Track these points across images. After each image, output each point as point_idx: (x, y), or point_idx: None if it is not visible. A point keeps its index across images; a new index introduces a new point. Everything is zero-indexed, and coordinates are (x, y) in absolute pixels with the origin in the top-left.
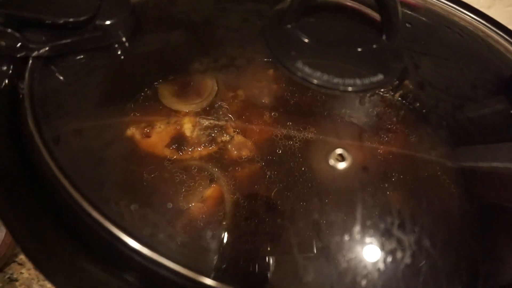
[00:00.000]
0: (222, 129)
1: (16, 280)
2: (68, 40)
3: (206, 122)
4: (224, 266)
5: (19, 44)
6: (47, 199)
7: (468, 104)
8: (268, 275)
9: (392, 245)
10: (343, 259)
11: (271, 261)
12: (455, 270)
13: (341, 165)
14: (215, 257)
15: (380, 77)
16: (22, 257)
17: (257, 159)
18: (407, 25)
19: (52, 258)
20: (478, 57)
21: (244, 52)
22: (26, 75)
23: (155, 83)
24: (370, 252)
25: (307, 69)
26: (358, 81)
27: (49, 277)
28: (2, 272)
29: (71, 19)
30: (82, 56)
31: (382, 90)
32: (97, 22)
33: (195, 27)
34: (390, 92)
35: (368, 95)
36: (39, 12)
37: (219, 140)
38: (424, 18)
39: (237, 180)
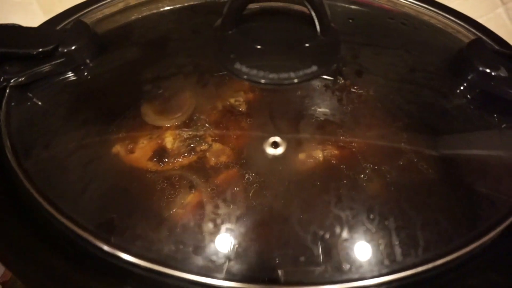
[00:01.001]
0: (201, 139)
1: None
2: (40, 68)
3: (185, 134)
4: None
5: None
6: (32, 221)
7: (405, 86)
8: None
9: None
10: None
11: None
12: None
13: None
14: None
15: (314, 68)
16: None
17: (234, 163)
18: (349, 20)
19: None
20: (420, 42)
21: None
22: (3, 103)
23: (134, 101)
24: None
25: (244, 69)
26: (292, 74)
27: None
28: None
29: (41, 49)
30: (53, 81)
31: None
32: (60, 49)
33: (156, 44)
34: (330, 82)
35: (312, 86)
36: (13, 46)
37: (198, 149)
38: (367, 13)
39: (216, 184)
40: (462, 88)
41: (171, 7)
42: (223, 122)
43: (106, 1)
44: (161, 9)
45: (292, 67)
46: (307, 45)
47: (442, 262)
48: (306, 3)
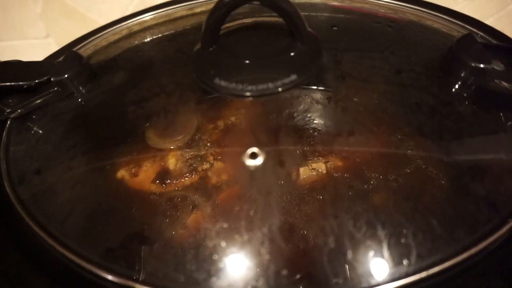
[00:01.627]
0: (203, 159)
1: None
2: (36, 98)
3: (188, 155)
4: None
5: None
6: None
7: (392, 89)
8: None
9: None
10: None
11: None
12: None
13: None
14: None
15: (293, 77)
16: None
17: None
18: (333, 28)
19: None
20: (408, 43)
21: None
22: (4, 134)
23: (129, 126)
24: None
25: (223, 83)
26: (270, 85)
27: None
28: None
29: (36, 81)
30: (50, 110)
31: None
32: (53, 79)
33: (145, 69)
34: (312, 89)
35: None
36: (11, 80)
37: (200, 169)
38: (352, 19)
39: (218, 202)
40: (456, 87)
41: (160, 35)
42: (221, 140)
43: (103, 32)
44: (153, 37)
45: (270, 78)
46: (285, 55)
47: (444, 267)
48: (280, 14)
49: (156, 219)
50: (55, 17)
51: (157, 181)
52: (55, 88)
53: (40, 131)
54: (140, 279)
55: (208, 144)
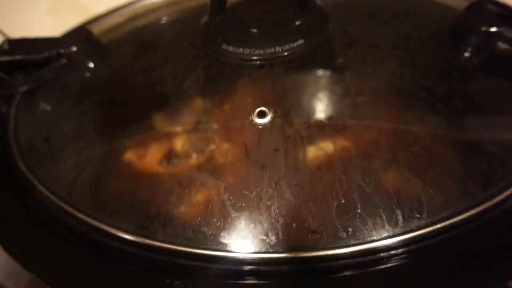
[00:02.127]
0: (209, 140)
1: None
2: (44, 72)
3: (195, 137)
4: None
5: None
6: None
7: (396, 53)
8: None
9: None
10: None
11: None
12: None
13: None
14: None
15: (300, 42)
16: None
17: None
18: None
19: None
20: (414, 14)
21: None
22: (14, 108)
23: (137, 105)
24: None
25: (230, 48)
26: (278, 49)
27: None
28: None
29: (45, 54)
30: (57, 84)
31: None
32: (62, 52)
33: (155, 46)
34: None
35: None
36: (20, 54)
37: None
38: None
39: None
40: (467, 54)
41: (167, 15)
42: (229, 118)
43: (111, 14)
44: (160, 17)
45: (278, 43)
46: (292, 23)
47: (456, 220)
48: None
49: (165, 174)
50: (63, 13)
51: (164, 162)
52: (63, 62)
53: (48, 104)
54: (149, 235)
55: (215, 127)
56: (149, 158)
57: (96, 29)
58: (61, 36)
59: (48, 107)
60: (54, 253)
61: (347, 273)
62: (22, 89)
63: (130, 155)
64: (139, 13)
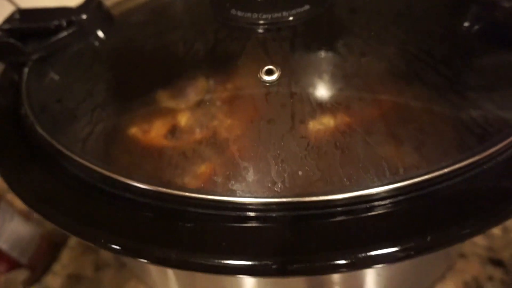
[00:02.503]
0: (213, 116)
1: None
2: (55, 40)
3: (199, 113)
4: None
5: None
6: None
7: (398, 19)
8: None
9: None
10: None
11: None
12: None
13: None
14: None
15: (306, 7)
16: (57, 265)
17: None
18: None
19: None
20: None
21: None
22: (26, 75)
23: (144, 80)
24: None
25: (239, 13)
26: (285, 13)
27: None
28: (39, 283)
29: (56, 22)
30: (67, 52)
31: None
32: (73, 19)
33: (165, 19)
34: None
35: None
36: (32, 23)
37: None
38: None
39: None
40: (466, 24)
41: None
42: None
43: None
44: None
45: (284, 7)
46: None
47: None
48: None
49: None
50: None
51: (169, 136)
52: (73, 29)
53: (59, 70)
54: (162, 184)
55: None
56: (163, 112)
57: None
58: (74, 8)
59: (59, 73)
60: (70, 202)
61: (349, 217)
62: (34, 57)
63: (144, 112)
64: None
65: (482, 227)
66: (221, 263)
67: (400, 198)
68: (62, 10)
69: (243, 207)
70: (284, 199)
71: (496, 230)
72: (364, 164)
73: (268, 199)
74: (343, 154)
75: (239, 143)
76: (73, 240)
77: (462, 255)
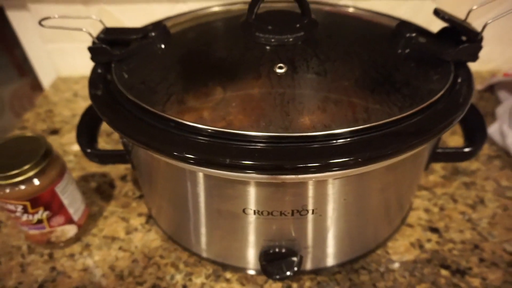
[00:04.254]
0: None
1: (91, 245)
2: (132, 48)
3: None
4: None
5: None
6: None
7: (355, 47)
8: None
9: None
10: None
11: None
12: None
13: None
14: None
15: (302, 33)
16: (95, 229)
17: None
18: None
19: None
20: (367, 30)
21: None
22: (113, 69)
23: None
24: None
25: (261, 35)
26: (289, 36)
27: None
28: (80, 241)
29: (136, 36)
30: (139, 56)
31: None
32: (146, 33)
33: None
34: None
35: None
36: (118, 35)
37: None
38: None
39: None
40: (400, 47)
41: (218, 19)
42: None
43: (179, 15)
44: (213, 19)
45: (289, 33)
46: (298, 23)
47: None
48: (297, 3)
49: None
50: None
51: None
52: (145, 42)
53: (135, 66)
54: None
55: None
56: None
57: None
58: (144, 27)
59: (136, 68)
60: (150, 134)
61: (320, 144)
62: (117, 58)
63: (194, 89)
64: (199, 15)
65: (398, 151)
66: (240, 163)
67: (353, 136)
68: (136, 29)
69: (256, 137)
70: (280, 134)
71: (435, 208)
72: (333, 117)
73: (269, 133)
74: (329, 110)
75: (256, 103)
76: (107, 211)
77: (409, 225)
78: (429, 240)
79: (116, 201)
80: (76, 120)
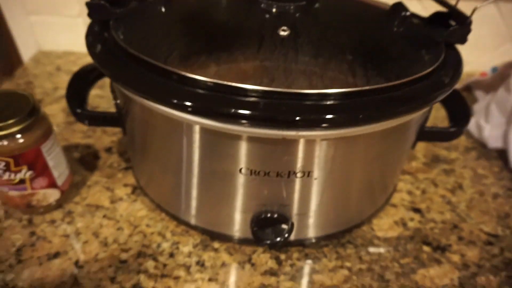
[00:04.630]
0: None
1: (73, 212)
2: (133, 7)
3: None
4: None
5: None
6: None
7: (351, 25)
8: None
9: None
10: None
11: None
12: None
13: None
14: None
15: (303, 2)
16: (77, 197)
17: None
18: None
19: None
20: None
21: None
22: (111, 25)
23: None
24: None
25: (264, 1)
26: (290, 4)
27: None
28: (62, 208)
29: None
30: (137, 15)
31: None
32: None
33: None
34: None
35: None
36: None
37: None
38: None
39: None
40: (396, 25)
41: None
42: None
43: None
44: None
45: (289, 2)
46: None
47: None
48: None
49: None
50: None
51: None
52: (146, 3)
53: (134, 25)
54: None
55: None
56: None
57: None
58: None
59: (134, 26)
60: (152, 83)
61: (313, 102)
62: (115, 16)
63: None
64: None
65: (387, 115)
66: (236, 112)
67: (346, 98)
68: None
69: (253, 91)
70: (277, 89)
71: (417, 191)
72: (329, 81)
73: (265, 88)
74: (315, 75)
75: (257, 63)
76: (91, 181)
77: (393, 205)
78: (412, 219)
79: (100, 172)
80: (59, 93)
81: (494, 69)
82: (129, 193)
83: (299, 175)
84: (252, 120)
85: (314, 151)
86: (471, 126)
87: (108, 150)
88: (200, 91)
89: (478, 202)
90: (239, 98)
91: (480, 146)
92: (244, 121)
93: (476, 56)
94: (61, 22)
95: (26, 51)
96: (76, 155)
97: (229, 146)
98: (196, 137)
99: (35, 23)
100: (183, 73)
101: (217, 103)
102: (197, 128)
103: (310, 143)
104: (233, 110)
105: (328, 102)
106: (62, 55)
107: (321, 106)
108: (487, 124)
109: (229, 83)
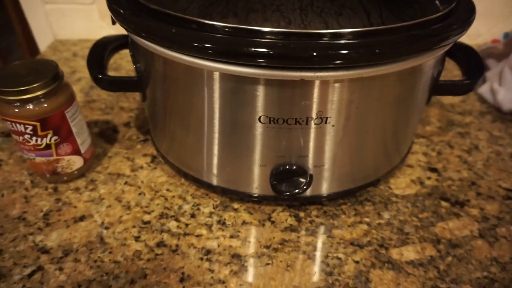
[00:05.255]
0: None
1: (96, 180)
2: None
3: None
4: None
5: None
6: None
7: None
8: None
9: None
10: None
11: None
12: None
13: None
14: None
15: None
16: (99, 167)
17: None
18: None
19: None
20: None
21: None
22: None
23: None
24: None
25: None
26: None
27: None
28: (85, 177)
29: None
30: None
31: None
32: None
33: None
34: None
35: None
36: None
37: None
38: None
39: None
40: None
41: None
42: None
43: None
44: None
45: None
46: None
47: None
48: None
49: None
50: None
51: None
52: None
53: None
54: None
55: None
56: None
57: None
58: None
59: None
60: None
61: (329, 40)
62: None
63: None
64: None
65: (402, 52)
66: (255, 50)
67: (359, 38)
68: None
69: (270, 33)
70: (297, 31)
71: (432, 153)
72: (347, 22)
73: (281, 29)
74: (335, 15)
75: (275, 7)
76: (111, 152)
77: (409, 165)
78: (429, 178)
79: (120, 144)
80: (77, 76)
81: (506, 35)
82: (149, 162)
83: (316, 121)
84: (271, 59)
85: (331, 95)
86: (485, 91)
87: (127, 124)
88: (220, 35)
89: (495, 161)
90: (257, 40)
91: (495, 110)
92: (262, 61)
93: (488, 27)
94: (76, 9)
95: (43, 40)
96: (96, 130)
97: (248, 93)
98: (217, 86)
99: (51, 11)
100: (203, 20)
101: (237, 44)
102: (217, 76)
103: (326, 86)
104: (252, 49)
105: (344, 41)
106: (78, 43)
107: (337, 44)
108: (501, 88)
109: (247, 26)
